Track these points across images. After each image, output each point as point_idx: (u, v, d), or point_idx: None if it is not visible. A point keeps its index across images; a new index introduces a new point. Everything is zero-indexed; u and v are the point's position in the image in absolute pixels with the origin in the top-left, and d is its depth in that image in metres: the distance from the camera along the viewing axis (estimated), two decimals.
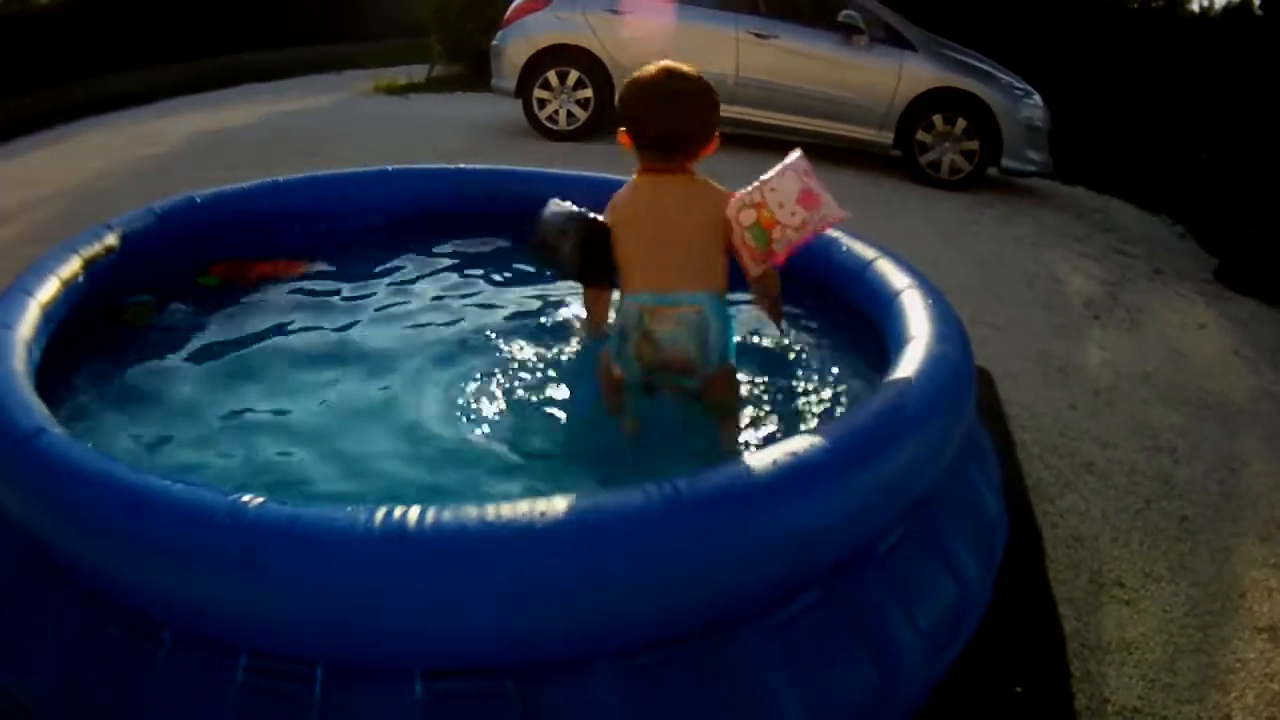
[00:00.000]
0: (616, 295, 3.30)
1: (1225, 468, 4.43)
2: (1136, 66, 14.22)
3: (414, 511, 1.98)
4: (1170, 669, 3.06)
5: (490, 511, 1.99)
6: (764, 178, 3.07)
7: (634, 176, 3.29)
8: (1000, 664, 2.88)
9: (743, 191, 3.10)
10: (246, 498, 2.06)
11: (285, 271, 4.57)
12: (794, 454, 2.22)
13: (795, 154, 3.11)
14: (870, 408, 2.49)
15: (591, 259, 3.25)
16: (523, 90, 11.48)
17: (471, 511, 1.99)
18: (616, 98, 3.35)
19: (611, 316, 3.40)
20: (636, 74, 3.23)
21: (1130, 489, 4.13)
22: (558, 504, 2.02)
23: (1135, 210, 10.79)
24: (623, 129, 3.26)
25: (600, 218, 3.27)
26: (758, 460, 2.21)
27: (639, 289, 3.15)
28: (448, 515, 1.98)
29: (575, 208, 3.33)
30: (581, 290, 3.61)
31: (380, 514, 1.98)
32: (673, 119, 3.17)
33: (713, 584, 2.16)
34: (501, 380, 3.49)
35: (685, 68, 3.22)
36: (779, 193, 3.06)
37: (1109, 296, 7.10)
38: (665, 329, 3.11)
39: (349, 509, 2.02)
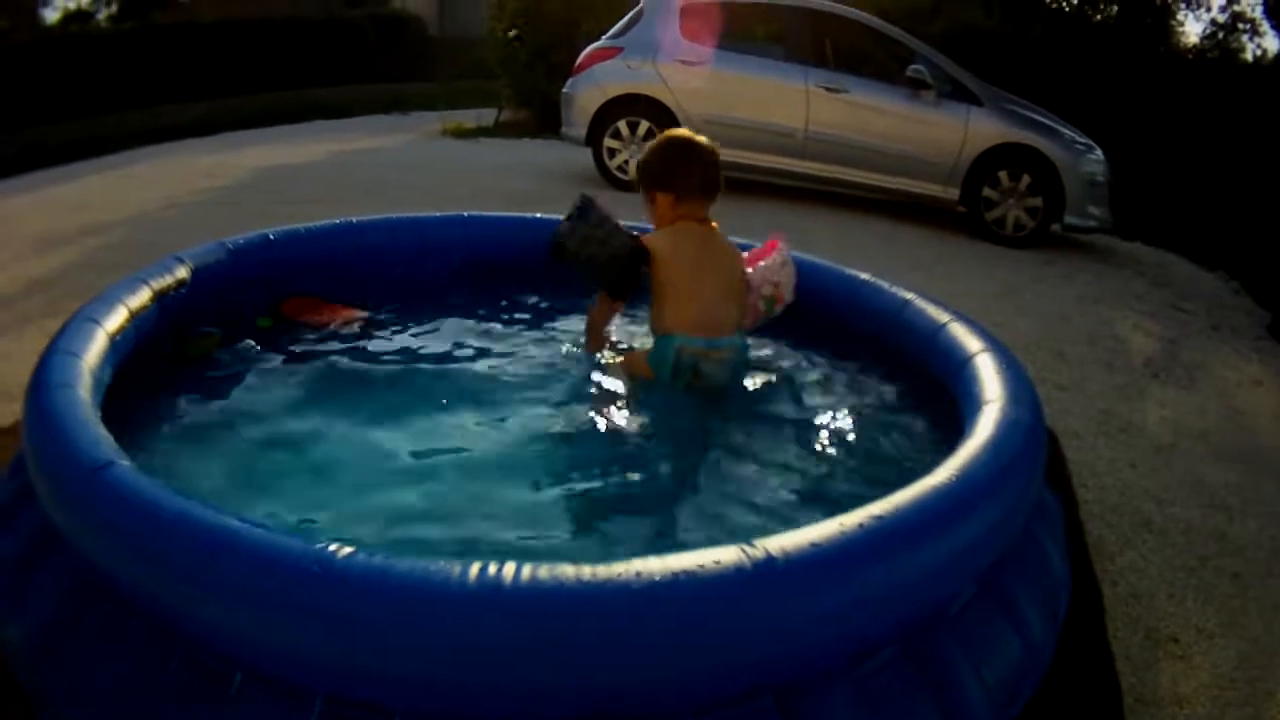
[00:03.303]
0: (628, 328, 4.11)
1: (1277, 524, 4.50)
2: (1192, 118, 14.23)
3: (509, 568, 2.01)
4: None
5: (586, 570, 2.02)
6: (782, 263, 4.14)
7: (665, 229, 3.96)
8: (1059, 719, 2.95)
9: (764, 268, 4.11)
10: (334, 547, 2.08)
11: (346, 317, 4.62)
12: (877, 518, 2.31)
13: (786, 247, 4.29)
14: (947, 473, 2.57)
15: (629, 275, 3.83)
16: (593, 139, 11.49)
17: (567, 570, 2.02)
18: (646, 165, 4.07)
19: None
20: (662, 140, 4.08)
21: (1186, 546, 4.20)
22: (651, 564, 2.05)
23: (1191, 266, 10.81)
24: (660, 190, 4.01)
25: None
26: (842, 525, 2.27)
27: (688, 333, 3.78)
28: (543, 573, 2.01)
29: (615, 220, 3.90)
30: (594, 303, 4.12)
31: (475, 569, 2.01)
32: (711, 168, 3.99)
33: (795, 643, 2.21)
34: (553, 427, 3.61)
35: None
36: (787, 278, 4.20)
37: (1168, 355, 7.18)
38: (713, 367, 3.82)
39: (441, 563, 2.04)
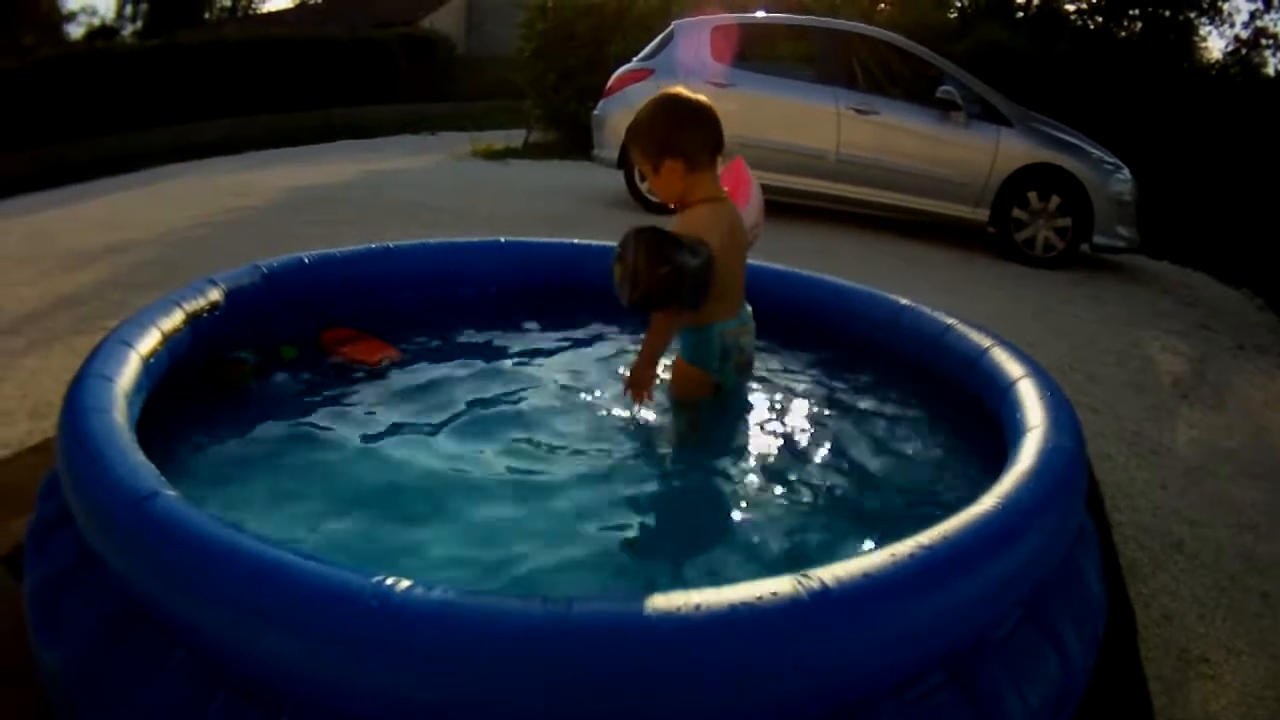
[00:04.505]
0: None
1: None
2: (1216, 134, 14.27)
3: (570, 601, 1.98)
4: None
5: (649, 603, 2.01)
6: (759, 206, 4.15)
7: (691, 211, 3.70)
8: None
9: (754, 211, 4.08)
10: (391, 580, 2.02)
11: (383, 354, 4.44)
12: (928, 547, 2.30)
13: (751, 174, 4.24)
14: (994, 500, 2.57)
15: (709, 285, 3.50)
16: (625, 161, 11.59)
17: (629, 602, 2.04)
18: (647, 130, 3.66)
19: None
20: (661, 101, 3.68)
21: (1216, 567, 4.26)
22: (709, 595, 2.04)
23: (1218, 284, 10.90)
24: (670, 156, 3.61)
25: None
26: (894, 554, 2.25)
27: (727, 316, 3.77)
28: (605, 605, 2.04)
29: (660, 231, 3.45)
30: (653, 327, 3.70)
31: (538, 603, 1.97)
32: (718, 126, 3.68)
33: (848, 671, 2.18)
34: (595, 458, 3.54)
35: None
36: (760, 213, 4.19)
37: (1196, 375, 7.27)
38: (747, 339, 3.88)
39: (503, 597, 2.04)
